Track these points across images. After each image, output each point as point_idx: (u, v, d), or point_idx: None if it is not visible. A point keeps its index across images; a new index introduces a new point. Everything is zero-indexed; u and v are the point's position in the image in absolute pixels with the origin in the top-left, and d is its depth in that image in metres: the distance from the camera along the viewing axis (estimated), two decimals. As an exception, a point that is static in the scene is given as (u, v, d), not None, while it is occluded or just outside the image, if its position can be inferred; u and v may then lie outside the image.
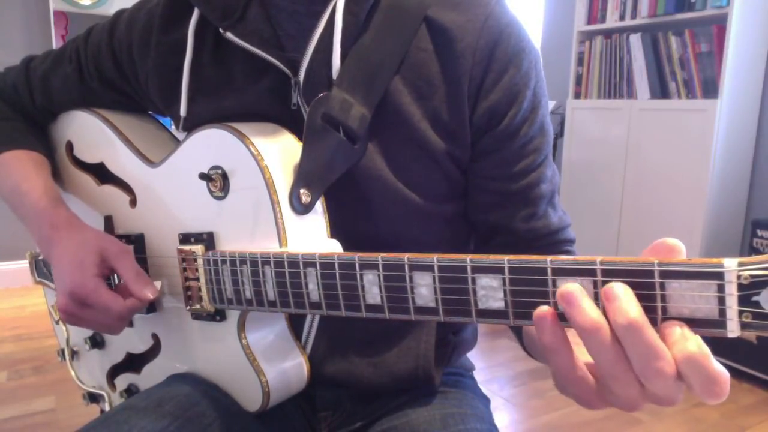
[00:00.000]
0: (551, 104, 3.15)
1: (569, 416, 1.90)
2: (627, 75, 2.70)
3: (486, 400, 0.77)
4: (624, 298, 0.35)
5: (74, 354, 0.88)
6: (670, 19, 2.52)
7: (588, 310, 0.36)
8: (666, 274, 0.35)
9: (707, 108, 2.35)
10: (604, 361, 0.36)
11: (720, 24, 2.32)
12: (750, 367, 2.12)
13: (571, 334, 0.38)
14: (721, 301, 0.34)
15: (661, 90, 2.58)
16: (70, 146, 0.81)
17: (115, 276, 0.68)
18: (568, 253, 0.68)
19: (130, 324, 0.76)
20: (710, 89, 2.39)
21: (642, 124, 2.62)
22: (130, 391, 0.79)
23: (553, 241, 0.67)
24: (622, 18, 2.71)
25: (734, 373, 2.17)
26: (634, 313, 0.34)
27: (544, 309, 0.38)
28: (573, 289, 0.36)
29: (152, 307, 0.71)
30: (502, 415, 1.92)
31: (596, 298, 0.38)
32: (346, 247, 0.60)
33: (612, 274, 0.37)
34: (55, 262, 0.65)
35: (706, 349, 0.34)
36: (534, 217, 0.66)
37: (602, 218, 2.82)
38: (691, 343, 0.34)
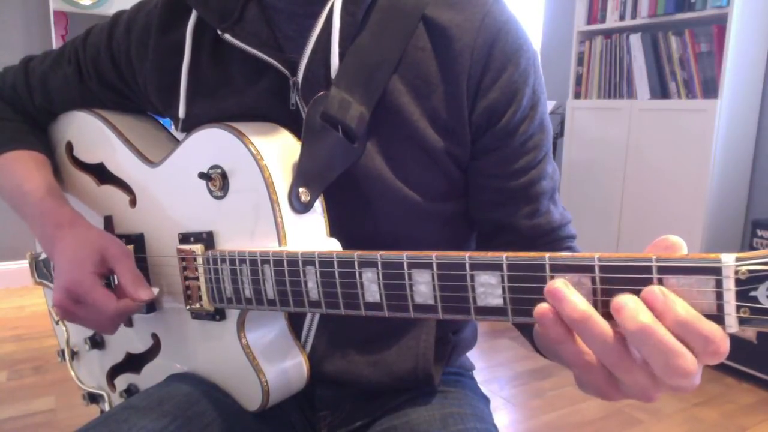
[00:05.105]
0: (551, 104, 3.14)
1: (569, 416, 1.90)
2: (627, 75, 2.70)
3: (486, 400, 0.77)
4: (630, 305, 0.35)
5: (74, 354, 0.88)
6: (670, 19, 2.52)
7: (575, 302, 0.37)
8: (664, 270, 0.35)
9: (707, 108, 2.35)
10: (601, 352, 0.37)
11: (720, 24, 2.32)
12: (750, 367, 2.11)
13: None
14: (719, 296, 0.34)
15: (661, 90, 2.57)
16: (69, 146, 0.81)
17: (115, 278, 0.68)
18: (570, 249, 0.68)
19: (130, 324, 0.76)
20: (710, 89, 2.39)
21: (642, 124, 2.61)
22: (130, 391, 0.79)
23: (556, 237, 0.67)
24: (622, 18, 2.71)
25: (734, 373, 2.17)
26: (643, 317, 0.35)
27: (544, 306, 0.38)
28: (558, 285, 0.37)
29: (152, 306, 0.71)
30: (502, 415, 1.92)
31: (595, 294, 0.38)
32: (346, 246, 0.60)
33: (610, 270, 0.37)
34: (56, 260, 0.65)
35: (694, 312, 0.35)
36: (536, 214, 0.66)
37: (602, 218, 2.82)
38: (679, 307, 0.35)
